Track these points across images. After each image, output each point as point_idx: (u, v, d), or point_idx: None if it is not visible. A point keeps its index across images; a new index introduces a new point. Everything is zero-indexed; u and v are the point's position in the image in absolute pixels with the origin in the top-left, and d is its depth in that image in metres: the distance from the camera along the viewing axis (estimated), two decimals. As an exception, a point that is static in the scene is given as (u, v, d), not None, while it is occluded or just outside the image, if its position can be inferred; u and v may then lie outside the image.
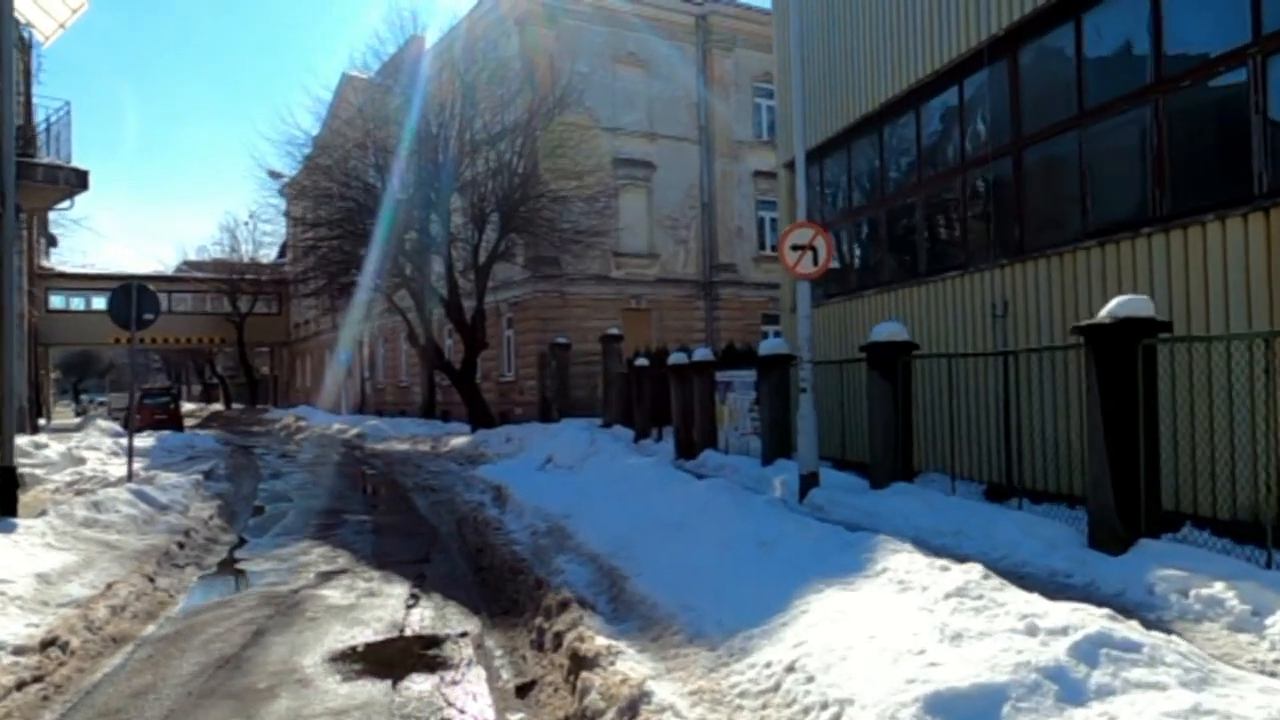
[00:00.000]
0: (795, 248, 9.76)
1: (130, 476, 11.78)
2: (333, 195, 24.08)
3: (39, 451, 18.60)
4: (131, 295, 11.24)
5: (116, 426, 35.75)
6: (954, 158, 11.20)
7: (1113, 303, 6.45)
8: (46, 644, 5.29)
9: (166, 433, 27.81)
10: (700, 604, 4.75)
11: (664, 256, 28.68)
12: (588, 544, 7.06)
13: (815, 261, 9.78)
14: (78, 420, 45.68)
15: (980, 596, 4.02)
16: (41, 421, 46.29)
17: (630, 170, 27.72)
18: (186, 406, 75.43)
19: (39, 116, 16.04)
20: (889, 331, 9.14)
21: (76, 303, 50.51)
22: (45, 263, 54.21)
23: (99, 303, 51.89)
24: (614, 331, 23.50)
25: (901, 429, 9.19)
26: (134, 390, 12.17)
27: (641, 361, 20.00)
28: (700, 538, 6.18)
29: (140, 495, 10.29)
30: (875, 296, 12.66)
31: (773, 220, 30.86)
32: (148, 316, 11.46)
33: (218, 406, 63.07)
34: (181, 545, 8.96)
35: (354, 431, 27.94)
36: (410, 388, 35.88)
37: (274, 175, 29.25)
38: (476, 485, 12.89)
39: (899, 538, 6.37)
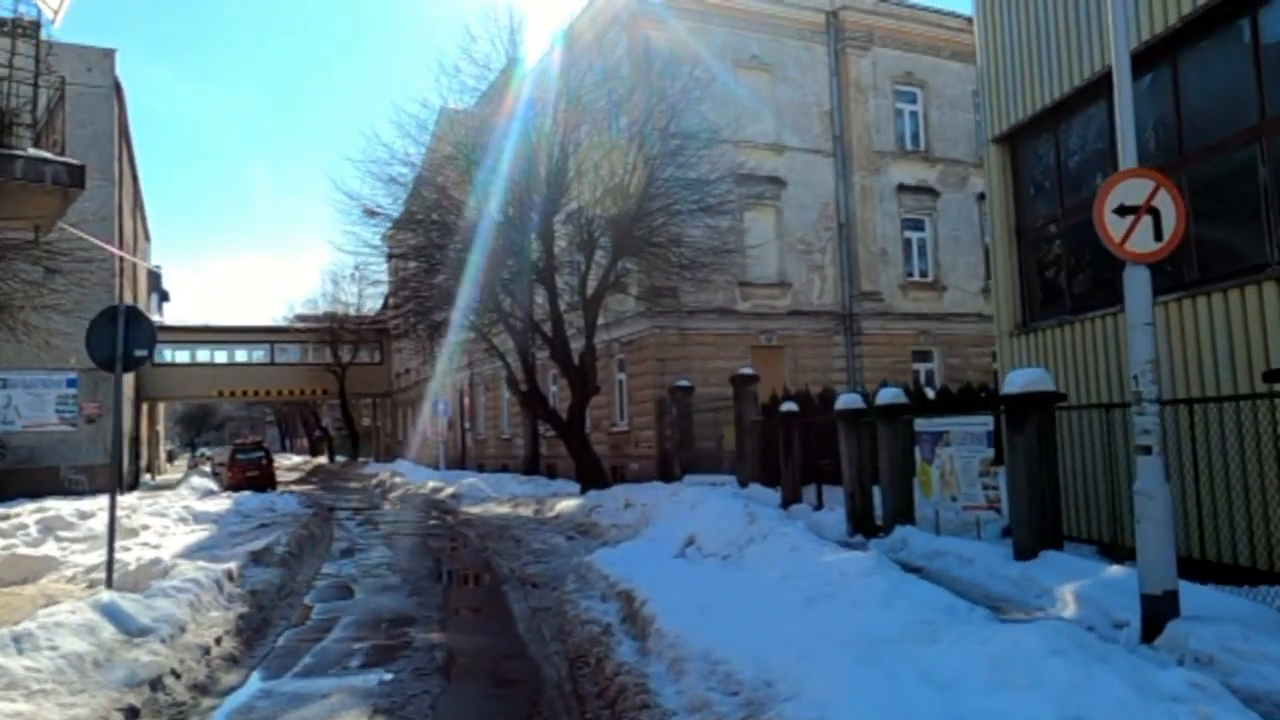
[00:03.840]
0: (1122, 211, 5.84)
1: (109, 580, 8.57)
2: (422, 220, 21.23)
3: (83, 522, 15.89)
4: (118, 323, 8.11)
5: (210, 484, 33.95)
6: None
7: None
8: None
9: (247, 493, 25.24)
10: None
11: (796, 285, 24.80)
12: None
13: (1158, 233, 5.84)
14: (180, 476, 44.49)
15: None
16: (146, 478, 45.49)
17: (756, 187, 24.07)
18: (293, 460, 75.12)
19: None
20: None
21: (182, 356, 49.80)
22: (156, 317, 54.29)
23: (202, 355, 51.31)
24: (747, 371, 19.70)
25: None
26: (119, 450, 8.62)
27: (789, 406, 16.15)
28: None
29: (110, 614, 7.00)
30: (1175, 304, 8.54)
31: (920, 241, 26.76)
32: (139, 353, 8.32)
33: (322, 460, 61.78)
34: (135, 713, 5.55)
35: (449, 491, 24.83)
36: (512, 440, 32.77)
37: (370, 214, 26.79)
38: (595, 583, 9.21)
39: None
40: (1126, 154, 5.97)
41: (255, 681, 6.82)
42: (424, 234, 21.55)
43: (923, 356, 26.13)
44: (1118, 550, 8.64)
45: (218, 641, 7.48)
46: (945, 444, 9.93)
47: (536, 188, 19.27)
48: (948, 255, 26.83)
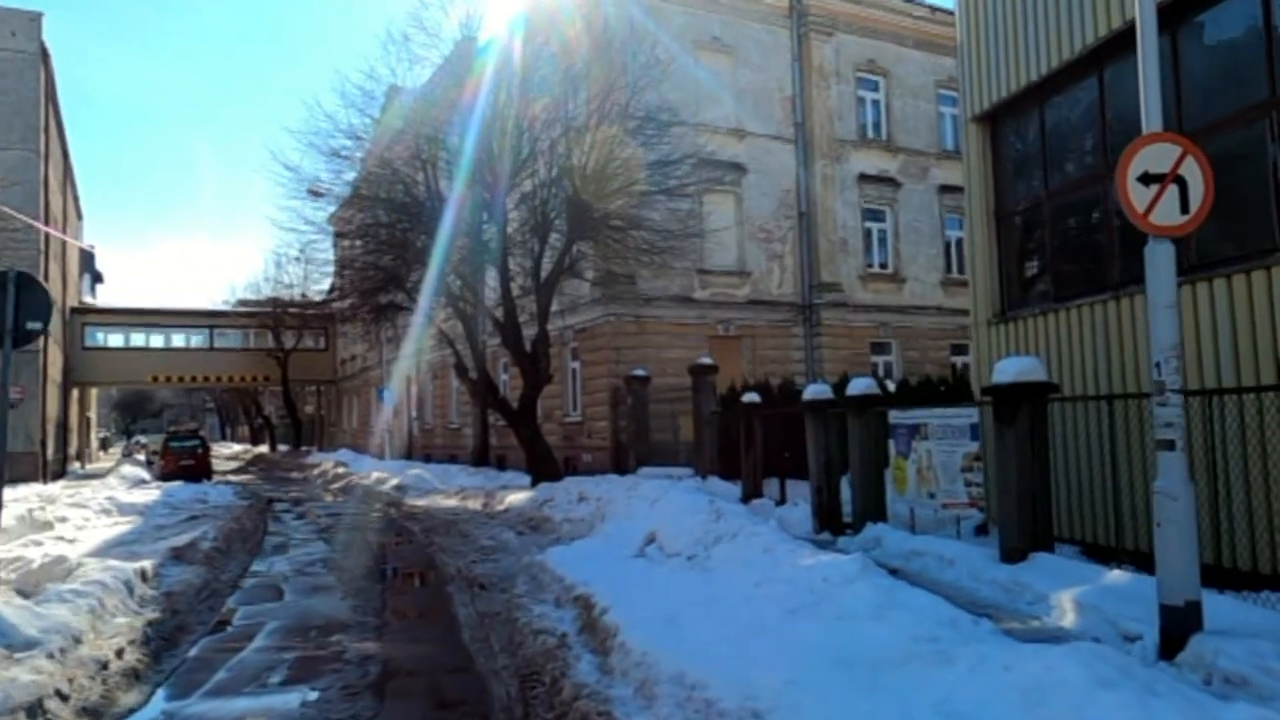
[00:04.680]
0: (1146, 179, 5.26)
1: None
2: (367, 197, 20.19)
3: (-11, 515, 14.70)
4: (6, 292, 7.08)
5: (142, 473, 32.48)
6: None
7: None
8: None
9: (178, 483, 23.97)
10: None
11: (756, 274, 24.21)
12: None
13: (1184, 205, 5.26)
14: (112, 465, 42.62)
15: None
16: (75, 466, 43.43)
17: (716, 173, 23.25)
18: (233, 448, 72.85)
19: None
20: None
21: (115, 339, 47.67)
22: (88, 298, 51.92)
23: (137, 339, 49.21)
24: (706, 361, 19.08)
25: None
26: (4, 434, 7.43)
27: (751, 397, 15.56)
28: None
29: (-12, 624, 6.08)
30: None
31: (880, 232, 26.36)
32: (32, 326, 7.32)
33: (264, 449, 59.92)
34: (0, 747, 4.69)
35: (394, 482, 23.84)
36: (461, 430, 31.79)
37: (315, 194, 25.57)
38: (548, 586, 8.47)
39: None
40: (1150, 115, 5.38)
41: (158, 702, 5.95)
42: (370, 212, 20.51)
43: (881, 349, 25.78)
44: (1104, 552, 8.16)
45: (119, 654, 6.58)
46: (923, 437, 9.35)
47: (490, 165, 18.37)
48: (908, 247, 26.51)
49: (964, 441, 8.65)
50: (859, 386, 10.73)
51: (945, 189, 26.84)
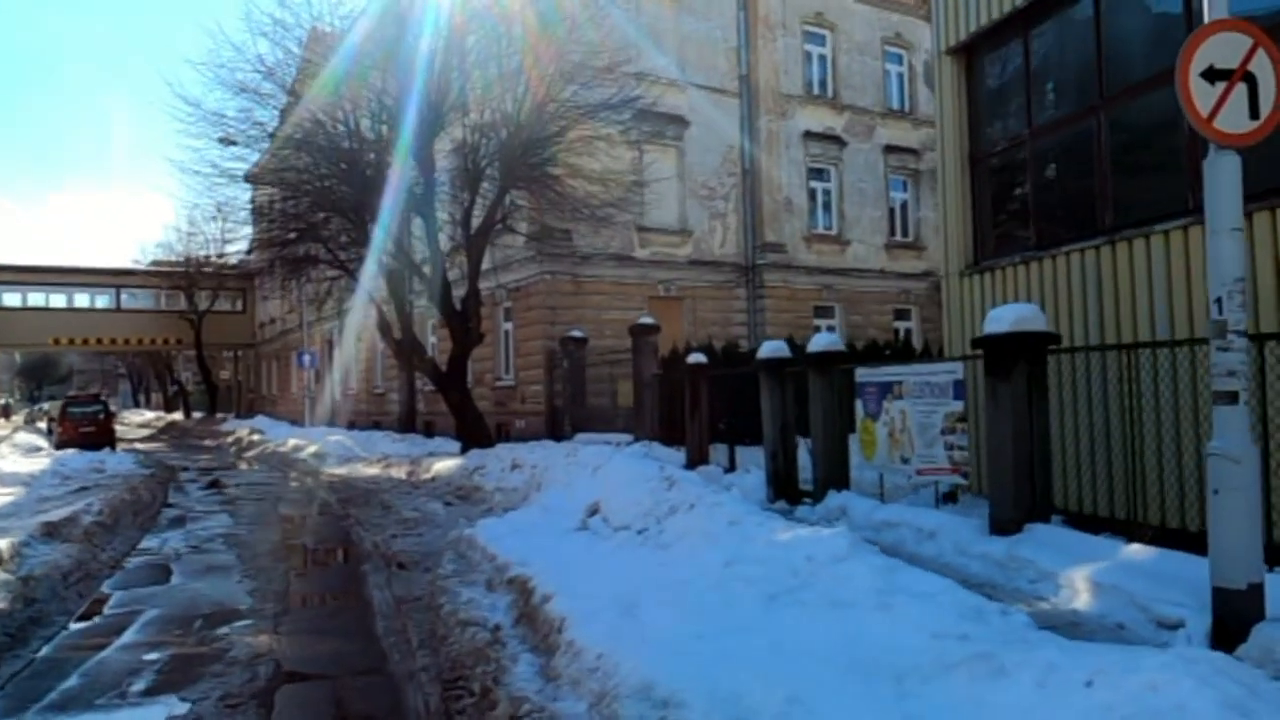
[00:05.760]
0: (1211, 75, 4.32)
1: None
2: (281, 139, 18.51)
3: None
4: None
5: (38, 440, 30.34)
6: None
7: None
8: None
9: (72, 452, 22.07)
10: None
11: (698, 233, 23.20)
12: None
13: (1254, 109, 4.36)
14: (7, 433, 39.86)
15: None
16: (-28, 435, 40.50)
17: (656, 125, 22.10)
18: (145, 415, 69.38)
19: None
20: None
21: (10, 298, 44.43)
22: (-18, 255, 48.41)
23: (35, 298, 46.05)
24: (648, 321, 18.06)
25: None
26: None
27: (697, 358, 14.60)
28: None
29: None
30: (1179, 232, 7.23)
31: (825, 192, 25.56)
32: None
33: (177, 416, 57.02)
34: None
35: (312, 449, 22.33)
36: (386, 395, 30.27)
37: (226, 142, 23.56)
38: (478, 565, 7.38)
39: None
40: (1214, 4, 4.44)
41: (-22, 719, 4.73)
42: (283, 156, 18.84)
43: (825, 312, 25.06)
44: (1093, 522, 7.41)
45: (-60, 657, 5.31)
46: (897, 397, 8.47)
47: (417, 106, 16.87)
48: (852, 209, 25.78)
49: (945, 400, 7.77)
50: (822, 342, 9.81)
51: (890, 149, 26.20)
